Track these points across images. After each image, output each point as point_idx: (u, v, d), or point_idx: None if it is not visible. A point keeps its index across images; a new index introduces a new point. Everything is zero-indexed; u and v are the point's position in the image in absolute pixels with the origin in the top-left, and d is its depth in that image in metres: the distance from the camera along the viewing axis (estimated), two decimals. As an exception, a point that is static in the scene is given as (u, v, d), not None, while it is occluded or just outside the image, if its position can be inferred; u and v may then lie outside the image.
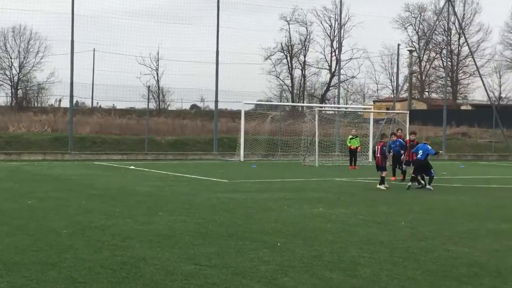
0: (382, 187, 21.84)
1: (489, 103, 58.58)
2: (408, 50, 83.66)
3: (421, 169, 22.40)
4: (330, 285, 8.37)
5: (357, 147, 34.66)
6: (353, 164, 34.20)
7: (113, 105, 68.76)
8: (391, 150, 24.43)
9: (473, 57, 62.91)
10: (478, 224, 13.93)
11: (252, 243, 11.04)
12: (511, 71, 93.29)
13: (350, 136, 34.97)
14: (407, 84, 77.31)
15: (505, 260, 10.06)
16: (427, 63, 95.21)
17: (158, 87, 73.40)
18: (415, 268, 9.36)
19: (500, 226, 13.67)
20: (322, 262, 9.64)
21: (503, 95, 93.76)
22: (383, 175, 22.15)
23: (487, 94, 58.09)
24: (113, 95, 63.39)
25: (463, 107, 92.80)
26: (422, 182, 22.34)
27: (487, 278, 8.83)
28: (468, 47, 70.02)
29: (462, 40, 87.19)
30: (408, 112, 46.64)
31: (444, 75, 72.14)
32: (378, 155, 22.63)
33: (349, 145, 34.87)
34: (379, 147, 22.79)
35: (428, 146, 22.78)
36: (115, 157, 38.08)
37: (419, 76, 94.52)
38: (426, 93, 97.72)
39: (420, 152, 22.45)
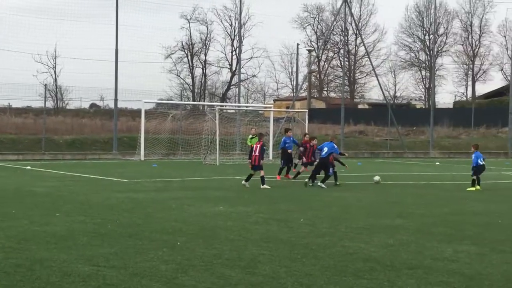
0: (266, 186, 21.56)
1: (384, 102, 60.20)
2: (307, 49, 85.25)
3: (322, 167, 22.67)
4: (229, 282, 8.41)
5: None
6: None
7: (9, 104, 66.70)
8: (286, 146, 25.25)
9: (369, 57, 64.54)
10: (374, 220, 14.29)
11: (152, 243, 10.97)
12: (406, 71, 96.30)
13: (251, 136, 35.23)
14: (306, 83, 78.58)
15: (399, 254, 10.38)
16: (325, 63, 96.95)
17: (56, 85, 71.67)
18: (313, 264, 9.53)
19: (395, 222, 14.08)
20: (222, 260, 9.68)
21: (398, 94, 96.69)
22: (262, 174, 21.90)
23: (383, 93, 59.73)
24: (7, 93, 61.45)
25: (360, 106, 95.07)
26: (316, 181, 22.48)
27: (382, 272, 9.08)
28: (365, 47, 71.77)
29: (358, 40, 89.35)
30: (307, 110, 47.40)
31: (342, 74, 73.59)
32: (256, 153, 22.13)
33: (249, 144, 35.09)
34: (258, 146, 22.42)
35: (334, 144, 23.14)
36: (10, 157, 37.00)
37: (318, 76, 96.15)
38: (325, 92, 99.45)
39: (325, 149, 22.64)
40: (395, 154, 50.73)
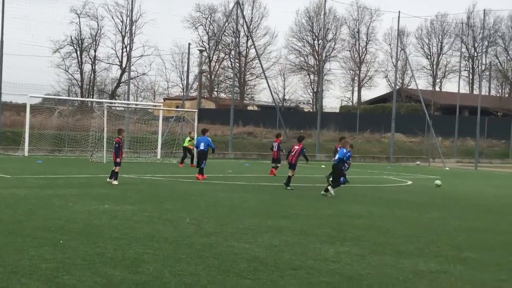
0: (115, 182, 21.75)
1: (273, 104, 60.94)
2: (198, 49, 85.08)
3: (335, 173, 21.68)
4: (112, 282, 8.30)
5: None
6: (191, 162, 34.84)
7: None
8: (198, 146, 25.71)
9: (259, 60, 65.14)
10: (259, 220, 14.45)
11: (34, 241, 10.69)
12: (295, 75, 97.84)
13: (189, 138, 35.66)
14: (197, 83, 78.52)
15: (283, 255, 10.53)
16: (216, 63, 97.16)
17: None
18: (197, 264, 9.54)
19: (280, 222, 14.28)
20: (105, 259, 9.55)
21: (287, 97, 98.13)
22: (116, 170, 22.03)
23: (272, 95, 60.52)
24: None
25: (250, 108, 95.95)
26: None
27: (266, 273, 9.19)
28: (255, 49, 72.42)
29: (250, 42, 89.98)
30: (197, 110, 47.37)
31: (232, 75, 73.98)
32: (119, 151, 22.43)
33: (187, 145, 35.47)
34: (118, 141, 22.58)
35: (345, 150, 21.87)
36: None
37: (208, 76, 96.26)
38: (215, 93, 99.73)
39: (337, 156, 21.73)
40: (282, 156, 51.36)
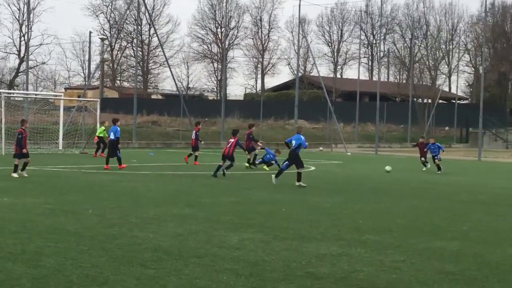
0: (15, 175, 21.22)
1: (177, 93, 60.63)
2: (100, 38, 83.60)
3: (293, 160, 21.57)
4: (11, 277, 8.10)
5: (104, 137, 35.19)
6: (99, 152, 34.49)
7: None
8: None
9: (162, 48, 64.67)
10: (164, 209, 14.40)
11: None
12: (198, 63, 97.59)
13: (103, 127, 35.22)
14: (99, 72, 77.20)
15: (187, 243, 10.54)
16: (118, 52, 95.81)
17: None
18: (100, 256, 9.42)
19: (184, 211, 14.27)
20: (4, 254, 9.31)
21: (190, 85, 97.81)
22: (16, 162, 21.51)
23: (176, 84, 60.21)
24: None
25: (153, 96, 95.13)
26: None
27: (170, 262, 9.17)
28: (158, 38, 71.81)
29: (152, 30, 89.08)
30: (99, 100, 46.65)
31: (135, 64, 73.12)
32: (22, 142, 21.66)
33: (100, 135, 35.05)
34: (21, 132, 21.91)
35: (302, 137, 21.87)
36: None
37: (111, 65, 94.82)
38: (118, 82, 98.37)
39: (293, 142, 21.57)
40: (187, 145, 51.28)
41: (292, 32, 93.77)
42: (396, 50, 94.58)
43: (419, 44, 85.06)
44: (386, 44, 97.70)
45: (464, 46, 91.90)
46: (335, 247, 10.62)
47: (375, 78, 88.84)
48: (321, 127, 66.06)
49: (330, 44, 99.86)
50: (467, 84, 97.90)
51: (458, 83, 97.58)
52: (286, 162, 21.89)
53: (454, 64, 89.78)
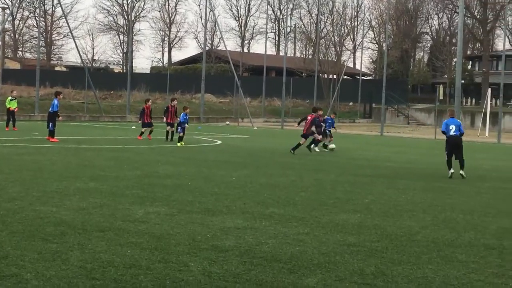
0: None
1: (82, 65, 59.44)
2: (0, 7, 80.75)
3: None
4: None
5: (15, 109, 34.59)
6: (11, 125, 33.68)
7: None
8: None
9: (66, 19, 63.23)
10: (67, 183, 14.14)
11: None
12: (104, 35, 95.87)
13: (10, 98, 34.27)
14: (0, 43, 74.66)
15: (91, 217, 10.39)
16: (20, 22, 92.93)
17: None
18: (0, 230, 9.18)
19: (88, 185, 14.05)
20: None
21: (96, 58, 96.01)
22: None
23: (80, 56, 58.90)
24: None
25: (57, 68, 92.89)
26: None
27: (73, 236, 9.03)
28: (61, 8, 69.97)
29: (56, 0, 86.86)
30: (0, 71, 45.21)
31: (37, 34, 71.11)
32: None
33: (8, 106, 33.95)
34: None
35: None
36: None
37: (12, 35, 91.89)
38: (20, 53, 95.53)
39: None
40: (92, 118, 50.49)
41: (199, 5, 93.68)
42: (302, 26, 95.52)
43: (325, 20, 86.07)
44: (293, 19, 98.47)
45: (368, 23, 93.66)
46: (240, 220, 10.70)
47: (281, 53, 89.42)
48: (228, 101, 66.20)
49: (237, 19, 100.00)
50: (371, 60, 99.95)
51: (363, 60, 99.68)
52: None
53: (358, 41, 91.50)
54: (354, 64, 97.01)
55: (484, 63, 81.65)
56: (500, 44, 73.13)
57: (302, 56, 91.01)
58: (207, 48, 75.30)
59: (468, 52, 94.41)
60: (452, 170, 18.76)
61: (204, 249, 8.59)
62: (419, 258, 8.56)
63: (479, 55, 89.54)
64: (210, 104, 63.11)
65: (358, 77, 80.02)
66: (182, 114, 28.28)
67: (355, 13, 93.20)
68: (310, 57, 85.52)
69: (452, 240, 9.79)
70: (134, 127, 38.67)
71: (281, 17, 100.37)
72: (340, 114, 67.54)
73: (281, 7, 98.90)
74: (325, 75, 77.55)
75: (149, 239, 9.06)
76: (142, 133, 29.75)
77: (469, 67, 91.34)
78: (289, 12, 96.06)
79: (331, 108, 58.78)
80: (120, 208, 11.32)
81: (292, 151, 24.72)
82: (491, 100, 53.77)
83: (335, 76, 74.30)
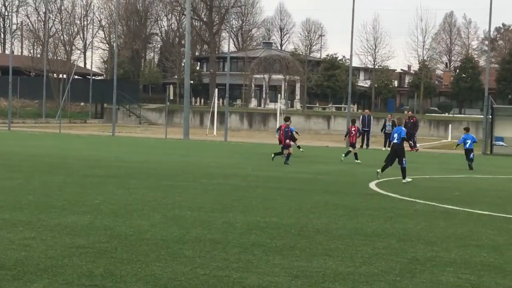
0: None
1: None
2: None
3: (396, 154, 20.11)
4: None
5: None
6: None
7: None
8: None
9: None
10: None
11: None
12: None
13: None
14: None
15: None
16: None
17: None
18: None
19: None
20: None
21: None
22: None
23: None
24: None
25: None
26: None
27: None
28: None
29: None
30: None
31: None
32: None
33: None
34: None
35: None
36: None
37: None
38: None
39: (396, 135, 20.18)
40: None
41: None
42: (30, 24, 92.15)
43: (54, 18, 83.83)
44: (19, 16, 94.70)
45: (98, 22, 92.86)
46: (-39, 227, 10.09)
47: (7, 52, 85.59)
48: None
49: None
50: (102, 60, 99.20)
51: (93, 59, 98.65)
52: None
53: (89, 40, 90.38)
54: (85, 63, 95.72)
55: (211, 64, 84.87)
56: (226, 46, 76.36)
57: (30, 55, 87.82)
58: None
59: (197, 54, 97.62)
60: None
61: None
62: (148, 256, 8.69)
63: (206, 56, 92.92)
64: None
65: (89, 77, 79.03)
66: None
67: (85, 12, 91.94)
68: (39, 56, 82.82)
69: (180, 237, 10.05)
70: None
71: (6, 13, 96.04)
72: (71, 114, 66.41)
73: (6, 3, 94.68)
74: (55, 74, 75.60)
75: None
76: None
77: (198, 68, 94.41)
78: (15, 9, 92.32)
79: (61, 108, 57.44)
80: None
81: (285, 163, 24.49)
82: (218, 100, 55.86)
83: (65, 76, 72.70)
